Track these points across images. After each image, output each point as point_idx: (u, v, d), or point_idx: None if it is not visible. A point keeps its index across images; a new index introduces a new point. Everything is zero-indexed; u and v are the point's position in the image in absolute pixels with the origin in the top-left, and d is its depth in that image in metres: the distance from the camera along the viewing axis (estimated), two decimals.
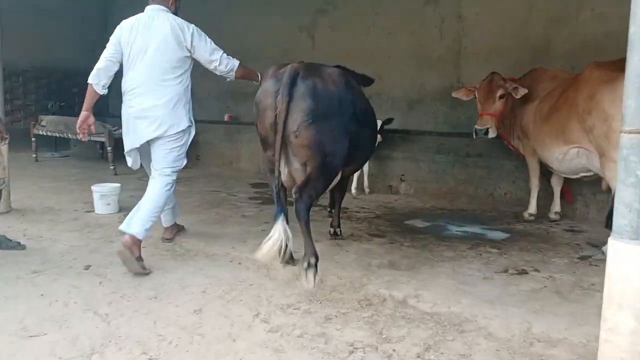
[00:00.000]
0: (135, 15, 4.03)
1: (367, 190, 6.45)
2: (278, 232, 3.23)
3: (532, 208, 5.07)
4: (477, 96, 4.89)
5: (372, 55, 7.01)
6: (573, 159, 4.35)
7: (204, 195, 5.17)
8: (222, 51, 4.06)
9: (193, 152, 7.55)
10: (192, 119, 4.03)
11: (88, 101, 3.93)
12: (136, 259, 3.60)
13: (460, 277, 3.46)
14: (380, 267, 3.66)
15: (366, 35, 7.37)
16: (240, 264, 3.83)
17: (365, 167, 6.23)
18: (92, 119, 3.95)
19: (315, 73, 3.42)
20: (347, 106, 3.50)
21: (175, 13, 4.12)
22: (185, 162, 4.08)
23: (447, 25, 6.67)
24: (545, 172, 5.04)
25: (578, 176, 4.55)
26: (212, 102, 8.75)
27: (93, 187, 5.18)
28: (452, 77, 6.64)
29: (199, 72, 4.15)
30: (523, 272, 3.58)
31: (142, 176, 7.29)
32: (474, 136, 4.81)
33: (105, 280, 3.50)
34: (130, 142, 3.98)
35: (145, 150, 4.02)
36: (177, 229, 4.42)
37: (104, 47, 3.97)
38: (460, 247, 4.13)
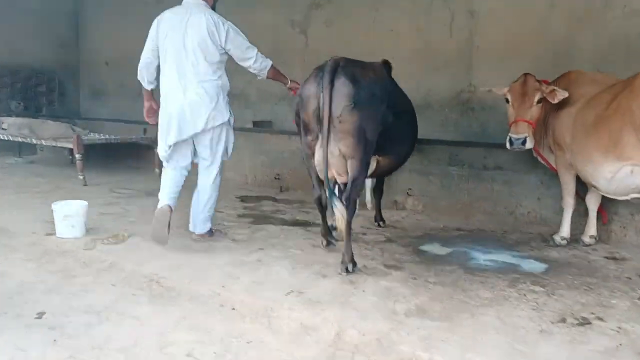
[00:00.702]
0: (173, 8, 4.04)
1: (369, 205, 5.74)
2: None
3: (565, 231, 4.39)
4: (509, 100, 4.19)
5: (372, 55, 6.19)
6: (625, 178, 3.70)
7: (187, 212, 4.44)
8: (256, 49, 4.12)
9: None
10: (231, 110, 4.15)
11: (145, 95, 4.23)
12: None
13: (512, 331, 2.76)
14: (408, 314, 2.95)
15: (366, 32, 6.67)
16: (233, 309, 3.10)
17: (368, 181, 5.53)
18: (154, 106, 4.20)
19: (356, 63, 3.65)
20: (385, 95, 3.69)
21: (213, 7, 4.15)
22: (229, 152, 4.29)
23: (458, 22, 6.01)
24: (579, 188, 4.41)
25: (628, 197, 3.88)
26: None
27: (54, 206, 4.36)
28: (464, 81, 5.98)
29: None
30: (585, 322, 2.90)
31: (115, 187, 6.54)
32: (509, 146, 4.11)
33: (61, 337, 2.75)
34: (168, 138, 3.98)
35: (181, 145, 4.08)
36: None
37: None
38: (497, 284, 3.44)
